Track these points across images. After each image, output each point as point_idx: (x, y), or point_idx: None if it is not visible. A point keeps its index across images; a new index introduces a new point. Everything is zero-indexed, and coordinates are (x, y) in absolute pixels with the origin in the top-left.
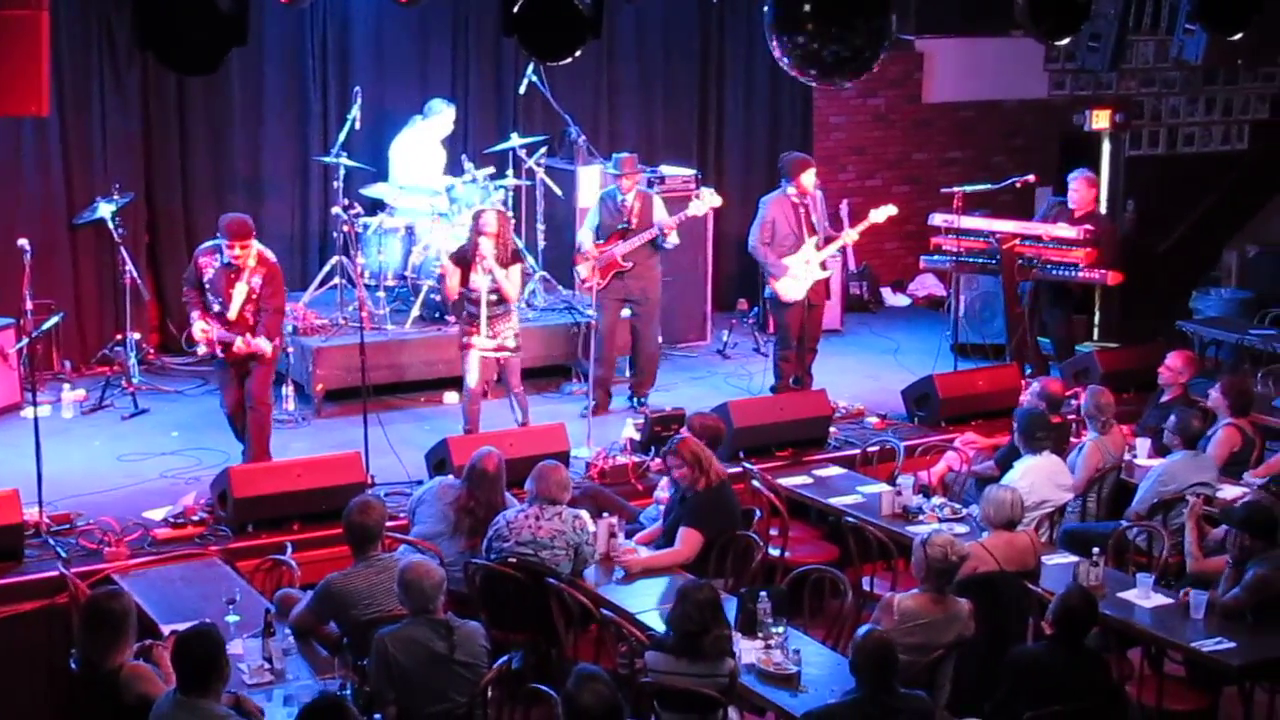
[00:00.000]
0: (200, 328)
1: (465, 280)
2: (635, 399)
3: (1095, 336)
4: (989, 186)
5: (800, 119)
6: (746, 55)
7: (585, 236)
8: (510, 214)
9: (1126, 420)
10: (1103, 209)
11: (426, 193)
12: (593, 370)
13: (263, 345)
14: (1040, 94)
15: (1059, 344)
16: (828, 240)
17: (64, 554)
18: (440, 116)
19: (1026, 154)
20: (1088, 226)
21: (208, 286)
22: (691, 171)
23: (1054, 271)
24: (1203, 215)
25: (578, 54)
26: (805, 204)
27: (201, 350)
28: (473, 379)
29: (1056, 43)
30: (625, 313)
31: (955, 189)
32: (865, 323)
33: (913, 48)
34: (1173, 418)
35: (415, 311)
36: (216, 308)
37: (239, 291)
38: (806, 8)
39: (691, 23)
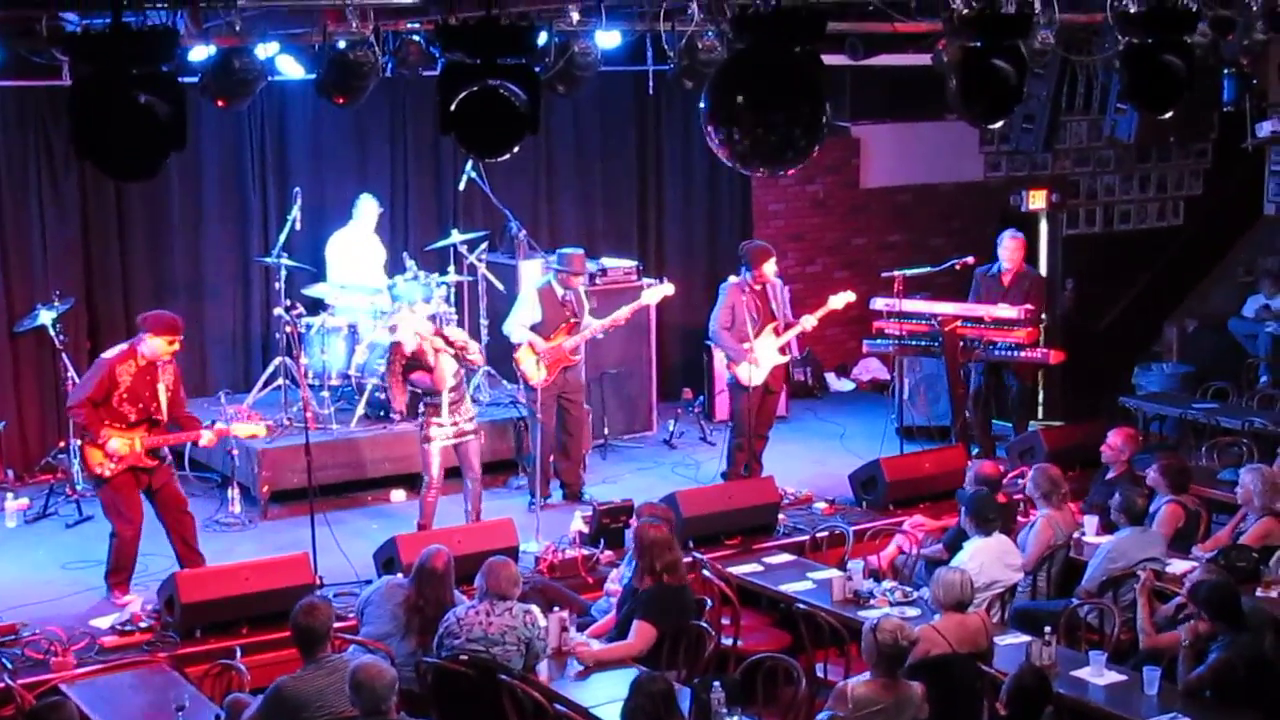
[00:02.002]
0: (121, 443)
1: (428, 373)
2: (573, 492)
3: (1040, 415)
4: (928, 269)
5: (739, 207)
6: (684, 145)
7: (519, 331)
8: (452, 310)
9: (1072, 498)
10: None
11: (367, 291)
12: (538, 465)
13: (209, 436)
14: (976, 176)
15: (1018, 422)
16: (787, 326)
17: (9, 665)
18: (365, 211)
19: (965, 235)
20: (1028, 306)
21: (126, 396)
22: (633, 262)
23: (997, 352)
24: (1142, 291)
25: (515, 150)
26: (764, 291)
27: (110, 470)
28: (435, 469)
29: (990, 126)
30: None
31: (895, 272)
32: (810, 408)
33: (849, 134)
34: (1117, 496)
35: (360, 410)
36: (134, 416)
37: (162, 390)
38: (740, 100)
39: (628, 115)
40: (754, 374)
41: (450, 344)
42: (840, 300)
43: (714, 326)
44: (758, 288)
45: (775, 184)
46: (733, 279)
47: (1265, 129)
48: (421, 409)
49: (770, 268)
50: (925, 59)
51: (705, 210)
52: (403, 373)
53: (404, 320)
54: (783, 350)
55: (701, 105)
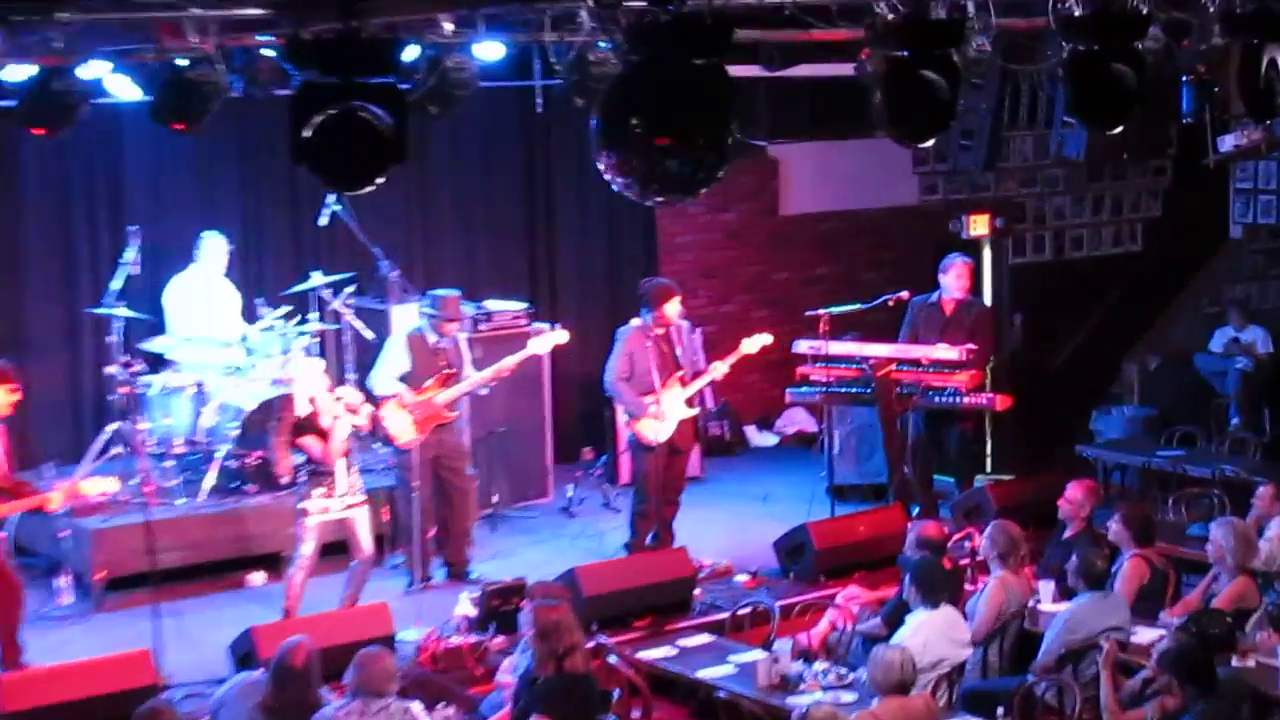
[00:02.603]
0: None
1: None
2: (457, 571)
3: (987, 468)
4: (859, 306)
5: (643, 240)
6: (579, 170)
7: (384, 383)
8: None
9: (1029, 559)
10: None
11: (216, 344)
12: (416, 540)
13: (57, 498)
14: (910, 200)
15: (961, 477)
16: (694, 375)
17: None
18: (211, 251)
19: (899, 267)
20: (970, 345)
21: None
22: (522, 305)
23: (936, 399)
24: (1098, 326)
25: (380, 180)
26: (668, 336)
27: None
28: (309, 547)
29: (920, 145)
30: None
31: (821, 311)
32: (728, 467)
33: (766, 155)
34: (1075, 558)
35: (210, 481)
36: None
37: None
38: (635, 121)
39: (513, 137)
40: (659, 430)
41: (349, 408)
42: (754, 343)
43: (611, 378)
44: (660, 332)
45: (684, 213)
46: (633, 323)
47: (1228, 143)
48: (303, 478)
49: (674, 308)
50: (850, 69)
51: (604, 244)
52: (291, 435)
53: (302, 372)
54: (691, 402)
55: (591, 124)
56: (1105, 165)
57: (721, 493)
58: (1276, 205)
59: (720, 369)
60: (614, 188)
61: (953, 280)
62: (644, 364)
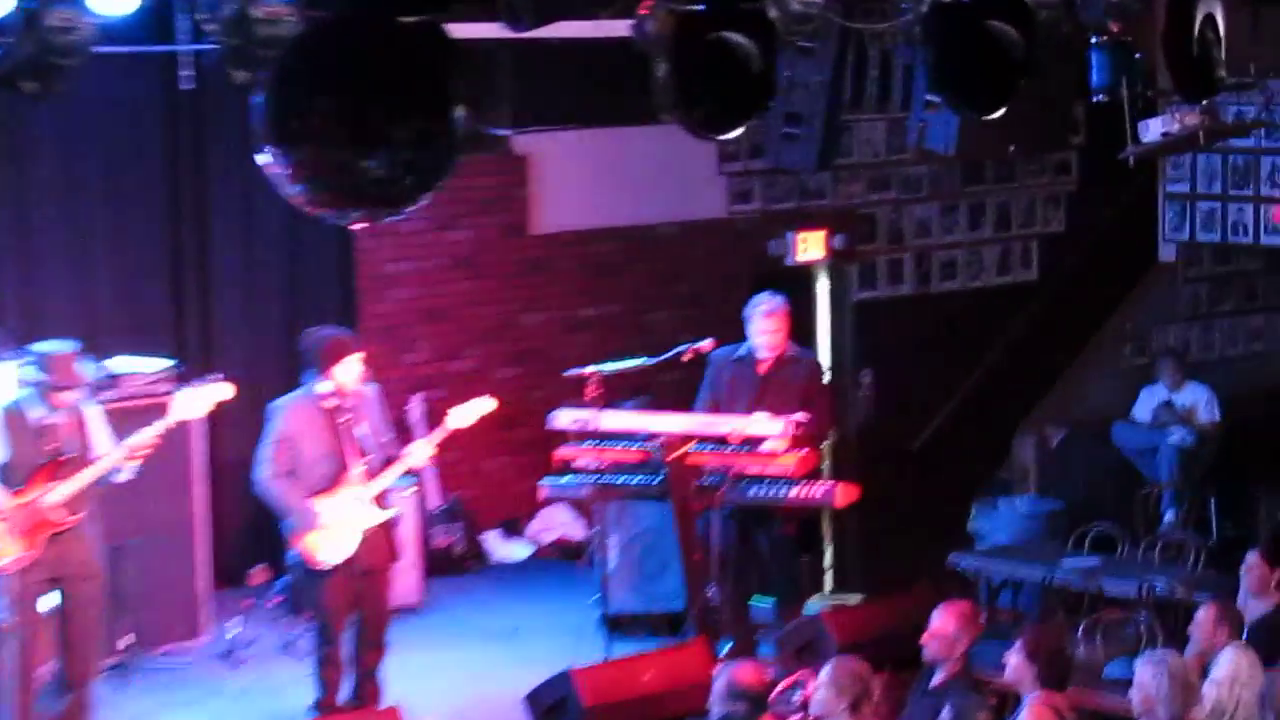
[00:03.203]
0: None
1: None
2: None
3: (825, 587)
4: (643, 362)
5: (337, 270)
6: (243, 172)
7: None
8: None
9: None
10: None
11: None
12: (15, 702)
13: None
14: (716, 211)
15: (788, 600)
16: (386, 463)
17: None
18: None
19: (699, 306)
20: (798, 417)
21: None
22: (167, 362)
23: (752, 491)
24: (978, 387)
25: None
26: (346, 410)
27: None
28: None
29: (723, 136)
30: (53, 600)
31: (590, 369)
32: (461, 590)
33: (509, 149)
34: (947, 711)
35: None
36: None
37: None
38: (318, 102)
39: (149, 125)
40: (335, 546)
41: None
42: (471, 413)
43: (264, 472)
44: (334, 404)
45: (395, 234)
46: (295, 394)
47: (1153, 130)
48: None
49: (352, 370)
50: (627, 29)
51: (281, 275)
52: None
53: None
54: (383, 501)
55: (253, 114)
56: (986, 162)
57: (451, 627)
58: (1223, 216)
59: (421, 453)
60: (289, 199)
61: (757, 332)
62: (313, 451)
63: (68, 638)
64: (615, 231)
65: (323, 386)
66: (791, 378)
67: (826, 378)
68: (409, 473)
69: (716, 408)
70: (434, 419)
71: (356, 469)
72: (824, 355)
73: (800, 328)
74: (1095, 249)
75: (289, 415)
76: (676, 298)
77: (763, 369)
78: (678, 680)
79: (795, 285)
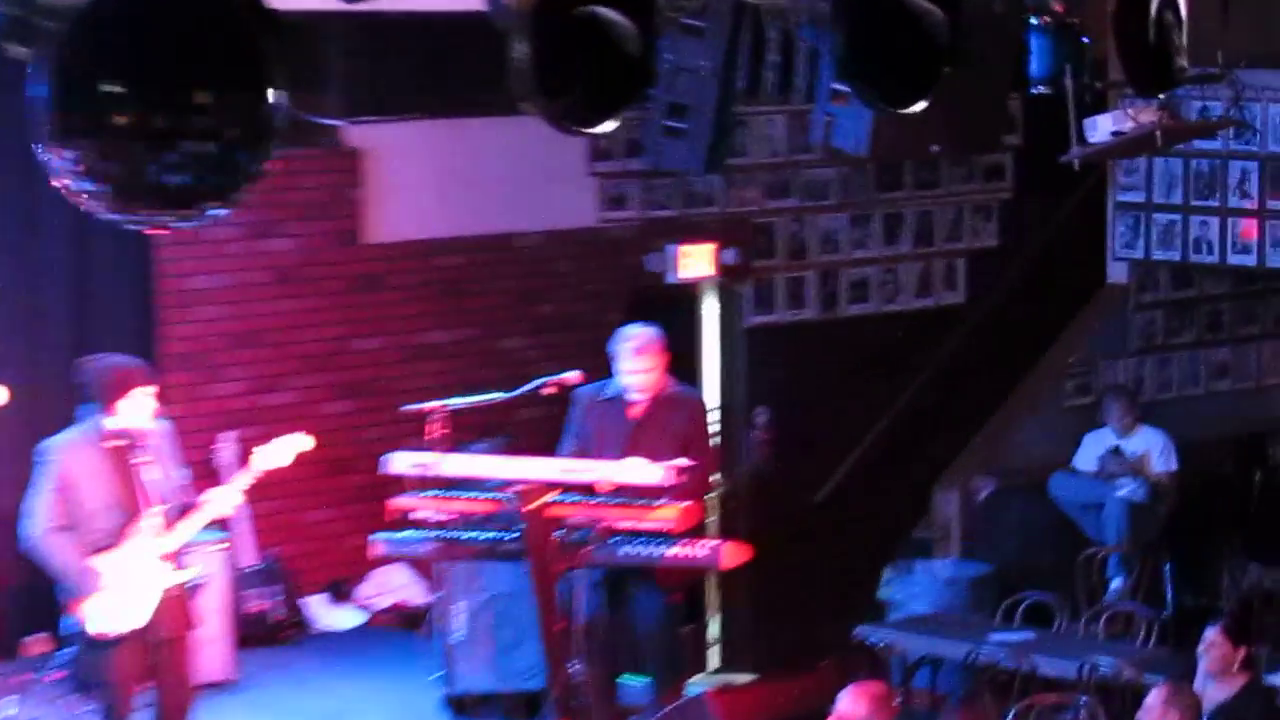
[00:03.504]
0: None
1: None
2: None
3: (710, 663)
4: (497, 396)
5: (132, 284)
6: (19, 162)
7: None
8: None
9: None
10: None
11: None
12: None
13: None
14: (585, 219)
15: (666, 678)
16: (183, 513)
17: None
18: None
19: (565, 330)
20: (679, 463)
21: None
22: None
23: (624, 549)
24: (893, 429)
25: None
26: (135, 451)
27: None
28: None
29: (593, 130)
30: None
31: (434, 404)
32: (279, 663)
33: (340, 143)
34: None
35: None
36: None
37: None
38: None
39: None
40: (120, 613)
41: None
42: (280, 453)
43: (36, 527)
44: (119, 445)
45: (202, 240)
46: (69, 433)
47: (1102, 129)
48: None
49: (141, 407)
50: (479, 1)
51: (69, 292)
52: None
53: None
54: (178, 559)
55: (33, 95)
56: (904, 164)
57: (267, 707)
58: (1183, 230)
59: (225, 501)
60: (71, 200)
61: (626, 371)
62: (95, 499)
63: None
64: (466, 242)
65: (108, 423)
66: (670, 420)
67: (714, 419)
68: (217, 526)
69: (585, 451)
70: (248, 462)
71: (149, 521)
72: (711, 391)
73: (682, 359)
74: (1033, 268)
75: (66, 457)
76: (537, 321)
77: (635, 412)
78: None
79: (677, 307)
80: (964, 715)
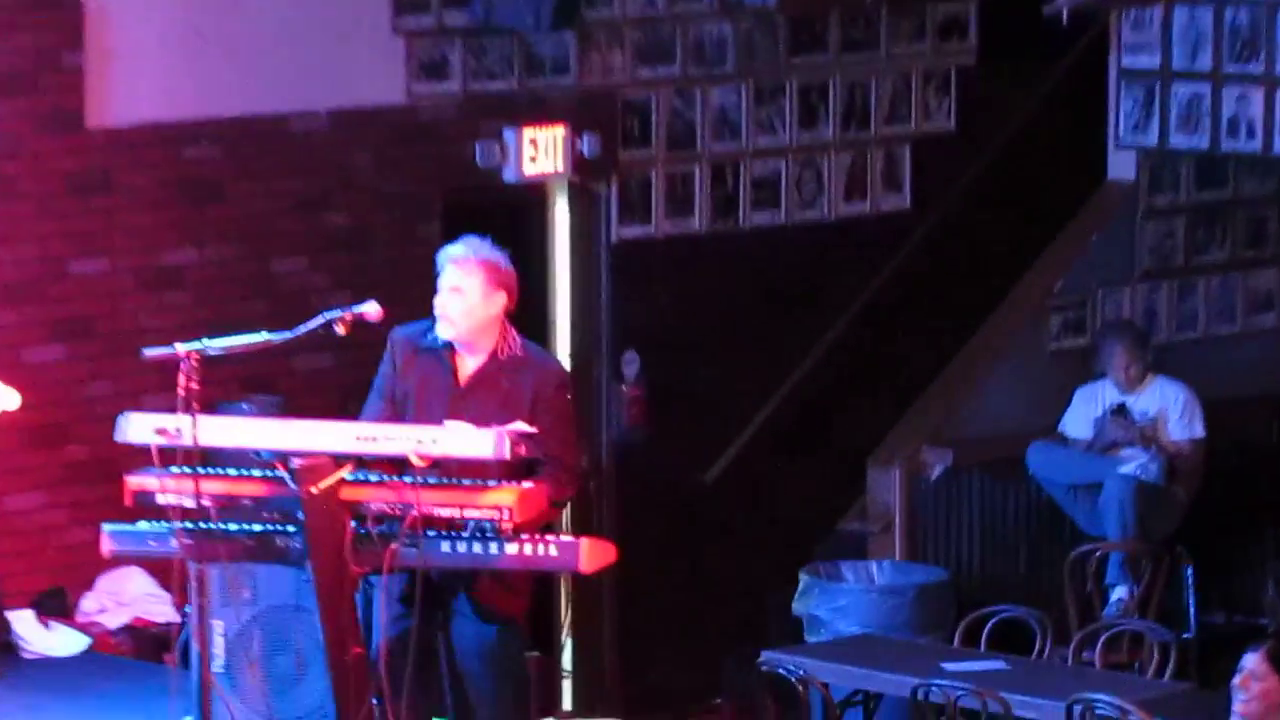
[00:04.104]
0: None
1: None
2: None
3: (564, 701)
4: (270, 338)
5: None
6: None
7: None
8: None
9: None
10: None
11: None
12: None
13: None
14: (389, 94)
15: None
16: None
17: None
18: None
19: (358, 250)
20: (519, 428)
21: None
22: None
23: (446, 548)
24: (811, 385)
25: None
26: None
27: None
28: None
29: None
30: None
31: (182, 347)
32: None
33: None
34: None
35: None
36: None
37: None
38: None
39: None
40: None
41: None
42: None
43: None
44: None
45: None
46: None
47: None
48: None
49: None
50: None
51: None
52: None
53: None
54: None
55: None
56: (829, 16)
57: None
58: (1213, 108)
59: None
60: None
61: (450, 303)
62: None
63: None
64: (224, 126)
65: None
66: (511, 371)
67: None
68: None
69: (396, 414)
70: None
71: None
72: (562, 331)
73: (524, 288)
74: (1003, 162)
75: None
76: (323, 235)
77: (465, 372)
78: None
79: (517, 217)
80: None
